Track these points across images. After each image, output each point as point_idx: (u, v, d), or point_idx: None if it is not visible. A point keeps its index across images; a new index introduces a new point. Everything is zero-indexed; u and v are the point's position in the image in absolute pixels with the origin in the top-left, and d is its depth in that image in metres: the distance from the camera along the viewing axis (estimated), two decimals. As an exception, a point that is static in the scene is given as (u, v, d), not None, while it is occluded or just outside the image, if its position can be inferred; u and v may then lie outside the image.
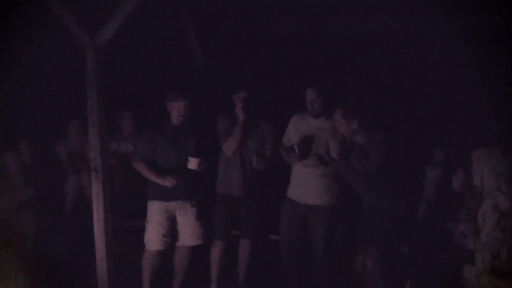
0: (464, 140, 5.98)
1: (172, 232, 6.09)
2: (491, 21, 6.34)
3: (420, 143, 6.66)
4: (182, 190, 5.99)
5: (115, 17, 5.52)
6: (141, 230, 6.14)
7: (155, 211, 6.05)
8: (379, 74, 7.11)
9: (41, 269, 6.03)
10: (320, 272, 5.98)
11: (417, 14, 6.66)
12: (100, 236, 5.78)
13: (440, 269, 5.55)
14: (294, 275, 6.10)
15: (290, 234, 6.01)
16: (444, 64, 6.70)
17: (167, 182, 5.91)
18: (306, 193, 5.88)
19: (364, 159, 5.50)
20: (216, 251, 6.18)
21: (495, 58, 6.13)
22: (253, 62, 7.50)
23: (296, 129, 5.98)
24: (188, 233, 6.09)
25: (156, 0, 6.48)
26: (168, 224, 6.05)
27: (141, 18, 6.15)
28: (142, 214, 6.18)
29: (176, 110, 5.98)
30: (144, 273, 6.09)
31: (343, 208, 5.93)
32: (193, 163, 5.90)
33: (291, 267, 6.08)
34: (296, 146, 5.80)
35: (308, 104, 5.81)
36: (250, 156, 6.04)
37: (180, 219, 6.09)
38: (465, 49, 6.45)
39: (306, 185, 5.87)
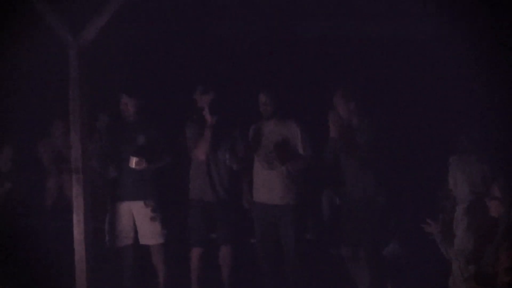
0: (448, 145, 6.01)
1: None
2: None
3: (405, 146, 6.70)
4: (131, 191, 6.07)
5: (99, 17, 5.47)
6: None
7: (113, 210, 6.14)
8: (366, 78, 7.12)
9: (18, 270, 5.94)
10: (295, 272, 6.03)
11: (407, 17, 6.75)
12: (80, 238, 5.68)
13: (422, 273, 5.59)
14: (272, 277, 6.14)
15: (263, 237, 6.12)
16: (430, 68, 6.74)
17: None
18: (269, 194, 6.03)
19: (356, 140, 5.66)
20: (194, 257, 6.16)
21: (484, 62, 6.16)
22: (229, 63, 7.48)
23: (255, 137, 6.13)
24: (144, 233, 6.15)
25: (141, 1, 6.44)
26: (127, 223, 6.11)
27: (126, 18, 6.12)
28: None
29: (123, 107, 6.12)
30: None
31: (311, 206, 6.17)
32: (131, 162, 5.95)
33: (268, 270, 6.13)
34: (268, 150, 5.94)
35: (261, 106, 6.03)
36: (223, 154, 6.08)
37: (136, 218, 6.15)
38: (454, 52, 6.48)
39: (267, 186, 6.03)
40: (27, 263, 6.12)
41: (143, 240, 6.17)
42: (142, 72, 7.33)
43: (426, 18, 6.71)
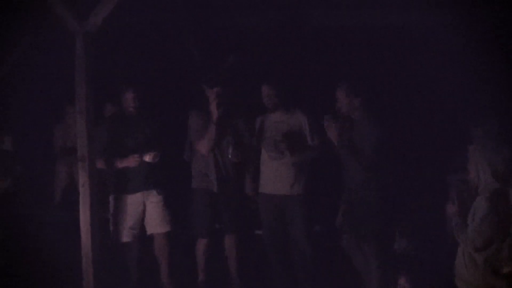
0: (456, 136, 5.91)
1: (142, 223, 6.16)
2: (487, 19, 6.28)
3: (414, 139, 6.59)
4: (144, 180, 6.05)
5: (105, 3, 5.40)
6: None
7: (120, 204, 6.11)
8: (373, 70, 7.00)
9: (23, 263, 5.90)
10: (306, 263, 6.01)
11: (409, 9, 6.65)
12: (86, 227, 5.62)
13: (435, 263, 5.53)
14: (282, 269, 6.12)
15: (271, 229, 6.10)
16: (436, 60, 6.63)
17: (131, 162, 5.98)
18: (276, 184, 6.03)
19: (358, 135, 5.62)
20: (200, 248, 6.15)
21: (491, 54, 6.05)
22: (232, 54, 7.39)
23: (261, 128, 6.13)
24: (157, 220, 6.10)
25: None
26: (136, 215, 6.09)
27: (134, 5, 6.07)
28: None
29: (125, 101, 6.09)
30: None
31: (320, 197, 6.11)
32: (148, 156, 5.96)
33: (277, 262, 6.12)
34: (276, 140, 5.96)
35: (264, 98, 6.02)
36: (226, 146, 6.05)
37: (147, 208, 6.10)
38: (457, 45, 6.37)
39: (275, 177, 6.02)
40: (34, 255, 6.07)
41: (151, 229, 6.14)
42: (145, 63, 7.26)
43: (437, 8, 6.58)
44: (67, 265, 5.90)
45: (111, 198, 6.17)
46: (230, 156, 6.03)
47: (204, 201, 6.12)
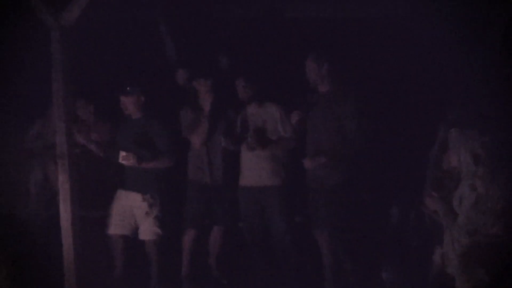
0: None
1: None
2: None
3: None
4: (132, 182, 6.08)
5: (81, -4, 5.34)
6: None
7: (116, 198, 6.17)
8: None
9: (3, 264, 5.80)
10: (287, 255, 6.05)
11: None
12: (67, 226, 5.56)
13: (415, 253, 5.59)
14: (263, 261, 6.18)
15: (250, 221, 6.15)
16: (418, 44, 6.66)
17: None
18: (255, 176, 6.08)
19: (326, 109, 5.81)
20: (187, 238, 6.19)
21: (480, 42, 6.11)
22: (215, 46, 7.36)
23: (242, 123, 6.19)
24: (143, 227, 6.11)
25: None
26: (126, 212, 6.10)
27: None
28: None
29: (123, 104, 6.16)
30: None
31: (298, 187, 6.15)
32: (120, 157, 6.02)
33: (258, 254, 6.18)
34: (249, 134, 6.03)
35: (240, 90, 6.09)
36: (218, 137, 6.10)
37: (134, 212, 6.12)
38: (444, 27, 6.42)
39: (254, 168, 6.08)
40: (15, 254, 5.97)
41: (140, 234, 6.15)
42: (132, 63, 7.18)
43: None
44: (48, 264, 5.81)
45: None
46: (223, 144, 6.07)
47: (197, 192, 6.20)
